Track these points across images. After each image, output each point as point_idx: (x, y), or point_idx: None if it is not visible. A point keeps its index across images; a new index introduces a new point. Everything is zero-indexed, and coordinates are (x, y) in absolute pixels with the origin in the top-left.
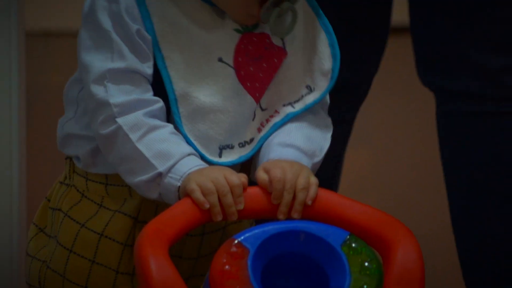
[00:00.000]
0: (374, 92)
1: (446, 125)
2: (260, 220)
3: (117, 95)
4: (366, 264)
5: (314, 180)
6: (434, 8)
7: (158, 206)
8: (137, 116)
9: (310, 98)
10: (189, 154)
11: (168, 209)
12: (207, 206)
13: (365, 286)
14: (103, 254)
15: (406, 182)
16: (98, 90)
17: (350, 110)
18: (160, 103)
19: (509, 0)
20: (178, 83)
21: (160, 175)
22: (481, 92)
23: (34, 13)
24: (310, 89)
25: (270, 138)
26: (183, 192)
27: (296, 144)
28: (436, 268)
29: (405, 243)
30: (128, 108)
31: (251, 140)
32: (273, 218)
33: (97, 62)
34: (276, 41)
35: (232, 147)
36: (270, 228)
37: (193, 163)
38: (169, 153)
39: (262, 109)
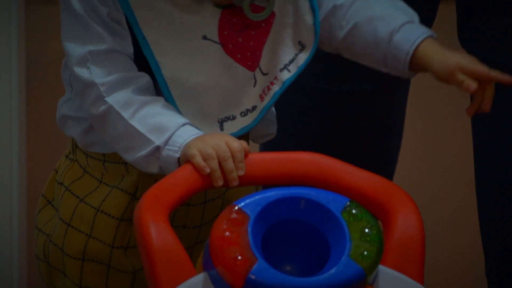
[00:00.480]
0: None
1: None
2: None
3: (101, 74)
4: (366, 230)
5: None
6: None
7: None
8: (127, 93)
9: (302, 58)
10: (184, 124)
11: (169, 175)
12: (208, 171)
13: (365, 252)
14: (98, 228)
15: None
16: (82, 72)
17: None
18: (146, 77)
19: None
20: (166, 68)
21: (158, 148)
22: None
23: None
24: (302, 45)
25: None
26: (184, 162)
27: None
28: (437, 267)
29: (406, 210)
30: (115, 86)
31: (254, 108)
32: (274, 185)
33: (77, 46)
34: (262, 2)
35: (233, 118)
36: (271, 194)
37: (189, 133)
38: (164, 125)
39: (263, 74)
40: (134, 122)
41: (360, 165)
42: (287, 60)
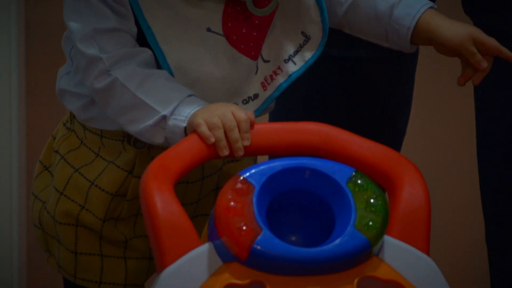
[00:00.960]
0: None
1: None
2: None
3: (106, 49)
4: (372, 200)
5: None
6: None
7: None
8: (131, 65)
9: (308, 52)
10: (190, 95)
11: (174, 145)
12: (213, 140)
13: (370, 223)
14: (91, 202)
15: None
16: (86, 48)
17: None
18: (149, 52)
19: None
20: (171, 57)
21: (164, 118)
22: None
23: None
24: (306, 37)
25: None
26: (190, 131)
27: None
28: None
29: (412, 180)
30: (120, 59)
31: (255, 96)
32: (279, 155)
33: (82, 24)
34: None
35: None
36: (276, 164)
37: (195, 103)
38: (170, 96)
39: (265, 61)
40: (139, 93)
41: (368, 135)
42: (291, 51)
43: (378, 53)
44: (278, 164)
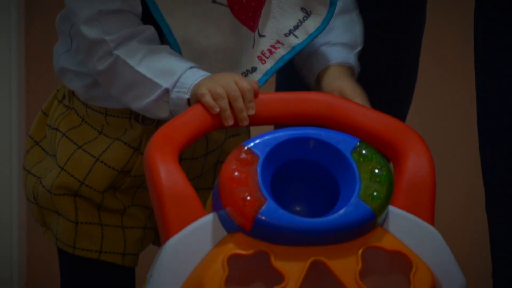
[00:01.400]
0: None
1: (484, 30)
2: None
3: (111, 31)
4: (376, 171)
5: None
6: None
7: None
8: (132, 43)
9: (311, 26)
10: (191, 67)
11: (179, 115)
12: (217, 110)
13: (375, 193)
14: (94, 177)
15: None
16: (90, 30)
17: None
18: (152, 29)
19: None
20: (177, 31)
21: (166, 91)
22: None
23: None
24: (307, 12)
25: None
26: (194, 103)
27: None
28: None
29: (417, 150)
30: (123, 40)
31: (254, 69)
32: (284, 125)
33: (86, 6)
34: None
35: None
36: (280, 134)
37: (198, 74)
38: (171, 69)
39: (260, 35)
40: (141, 69)
41: (373, 104)
42: (291, 26)
43: (382, 17)
44: (282, 134)
